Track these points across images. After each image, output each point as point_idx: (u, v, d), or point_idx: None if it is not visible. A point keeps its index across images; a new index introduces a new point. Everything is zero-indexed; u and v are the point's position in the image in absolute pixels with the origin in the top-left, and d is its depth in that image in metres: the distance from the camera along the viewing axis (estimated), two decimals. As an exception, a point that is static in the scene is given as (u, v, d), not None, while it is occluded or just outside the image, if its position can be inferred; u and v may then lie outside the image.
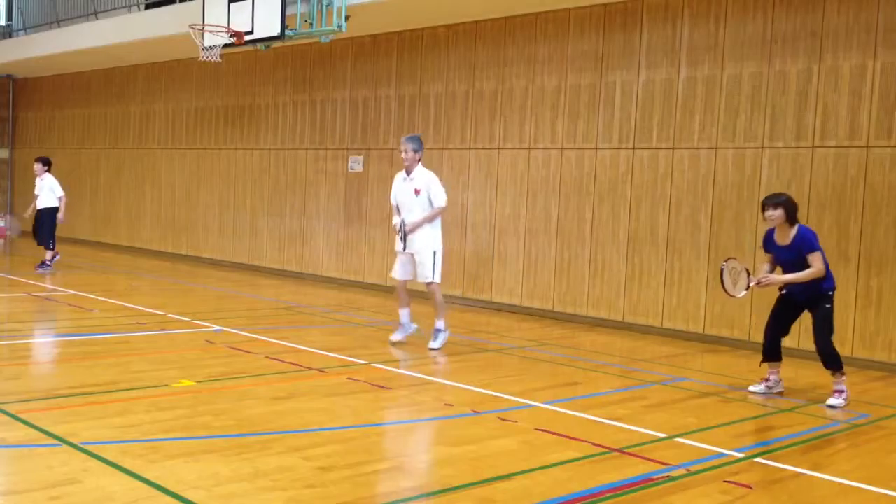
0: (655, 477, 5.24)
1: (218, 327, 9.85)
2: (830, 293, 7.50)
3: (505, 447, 5.73)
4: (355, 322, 10.97)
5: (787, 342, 9.38)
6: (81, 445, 5.26)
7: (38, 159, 15.01)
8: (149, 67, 18.83)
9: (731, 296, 7.80)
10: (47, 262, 14.72)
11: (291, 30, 12.71)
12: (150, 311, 10.80)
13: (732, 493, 5.01)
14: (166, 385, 7.03)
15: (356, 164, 14.41)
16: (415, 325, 9.40)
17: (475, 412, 6.62)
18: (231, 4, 13.18)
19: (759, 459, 5.71)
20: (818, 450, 6.06)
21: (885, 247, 9.04)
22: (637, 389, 7.75)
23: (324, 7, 12.31)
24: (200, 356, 8.34)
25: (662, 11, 10.73)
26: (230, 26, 13.09)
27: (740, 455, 5.78)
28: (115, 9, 17.80)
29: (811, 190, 9.51)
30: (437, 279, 9.05)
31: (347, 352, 8.75)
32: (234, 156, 16.80)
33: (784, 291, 7.73)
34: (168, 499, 4.50)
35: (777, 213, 7.49)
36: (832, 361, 7.45)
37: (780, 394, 7.75)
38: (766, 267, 7.72)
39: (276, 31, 12.67)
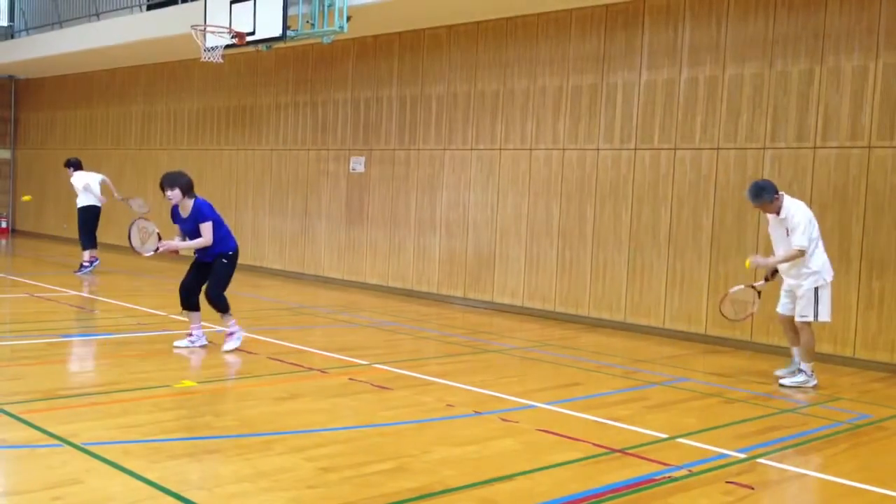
0: (657, 477, 5.24)
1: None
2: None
3: (506, 448, 5.73)
4: (357, 323, 10.97)
5: (784, 342, 9.40)
6: (83, 446, 5.26)
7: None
8: (150, 68, 18.83)
9: (139, 253, 8.60)
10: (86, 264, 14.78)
11: (293, 30, 12.71)
12: (152, 311, 10.80)
13: (734, 494, 5.01)
14: (168, 385, 7.03)
15: (358, 164, 14.41)
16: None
17: (477, 413, 6.62)
18: (233, 5, 13.19)
19: (760, 460, 5.70)
20: (820, 450, 6.05)
21: (887, 248, 9.02)
22: (638, 390, 7.75)
23: (325, 8, 12.31)
24: (202, 357, 8.35)
25: (664, 12, 10.72)
26: (232, 27, 13.09)
27: (742, 456, 5.78)
28: (116, 10, 17.80)
29: (813, 191, 9.50)
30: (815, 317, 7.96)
31: (349, 352, 8.75)
32: (236, 156, 16.80)
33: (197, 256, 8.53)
34: (170, 499, 4.50)
35: None
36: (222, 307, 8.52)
37: (204, 347, 8.49)
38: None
39: (277, 31, 12.67)
